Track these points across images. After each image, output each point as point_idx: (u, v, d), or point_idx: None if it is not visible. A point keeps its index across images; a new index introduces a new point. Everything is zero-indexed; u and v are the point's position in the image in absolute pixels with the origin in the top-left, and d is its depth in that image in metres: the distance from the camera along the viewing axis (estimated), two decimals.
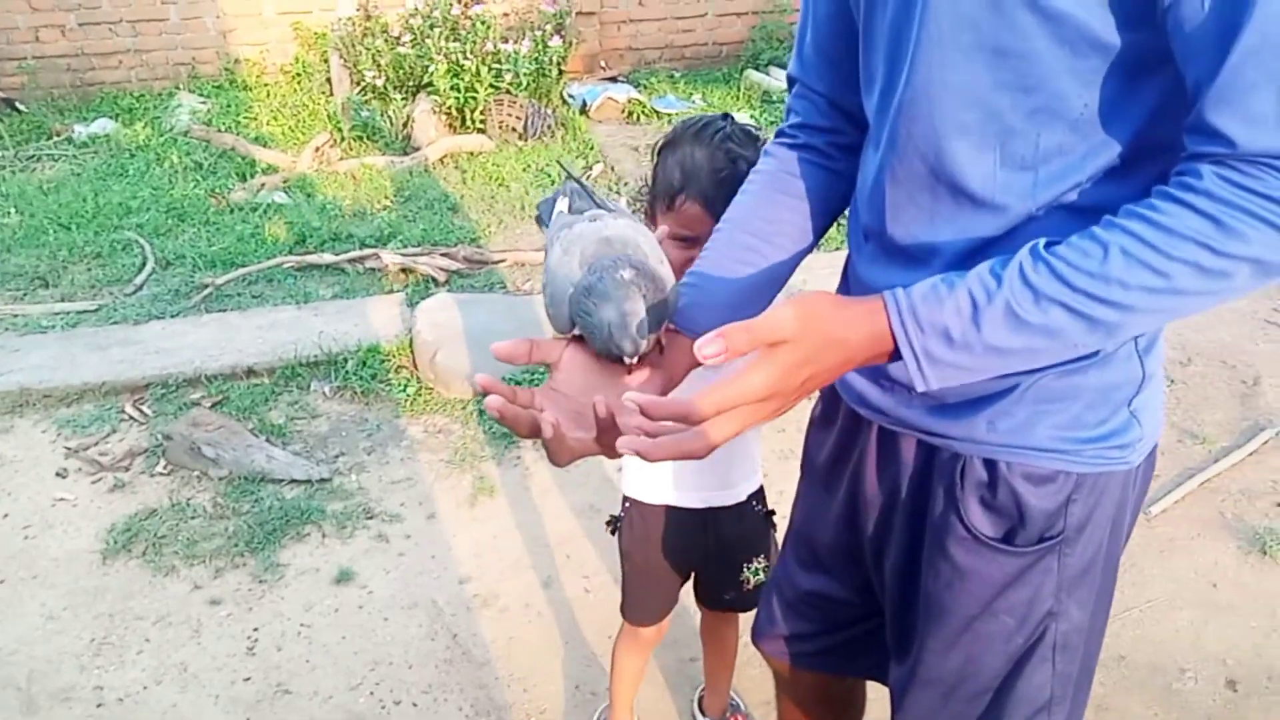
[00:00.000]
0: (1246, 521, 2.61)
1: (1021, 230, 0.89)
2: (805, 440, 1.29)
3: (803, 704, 1.48)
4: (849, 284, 1.12)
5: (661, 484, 1.70)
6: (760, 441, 1.80)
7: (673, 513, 1.72)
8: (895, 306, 0.80)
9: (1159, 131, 0.83)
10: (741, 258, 1.07)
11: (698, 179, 1.42)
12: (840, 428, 1.19)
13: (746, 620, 2.06)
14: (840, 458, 1.20)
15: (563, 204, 1.02)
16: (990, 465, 0.99)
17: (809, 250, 1.13)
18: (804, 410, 3.03)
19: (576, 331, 0.93)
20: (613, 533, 1.81)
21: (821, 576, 1.29)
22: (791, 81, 1.14)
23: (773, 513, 1.83)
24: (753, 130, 1.51)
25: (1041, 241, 0.79)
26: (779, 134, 1.16)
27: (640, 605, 1.85)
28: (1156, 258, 0.75)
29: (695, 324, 0.97)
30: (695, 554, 1.78)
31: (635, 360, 0.90)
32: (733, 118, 1.50)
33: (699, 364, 0.98)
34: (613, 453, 0.87)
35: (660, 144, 1.51)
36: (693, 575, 1.86)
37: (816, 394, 1.25)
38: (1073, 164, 0.86)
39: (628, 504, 1.76)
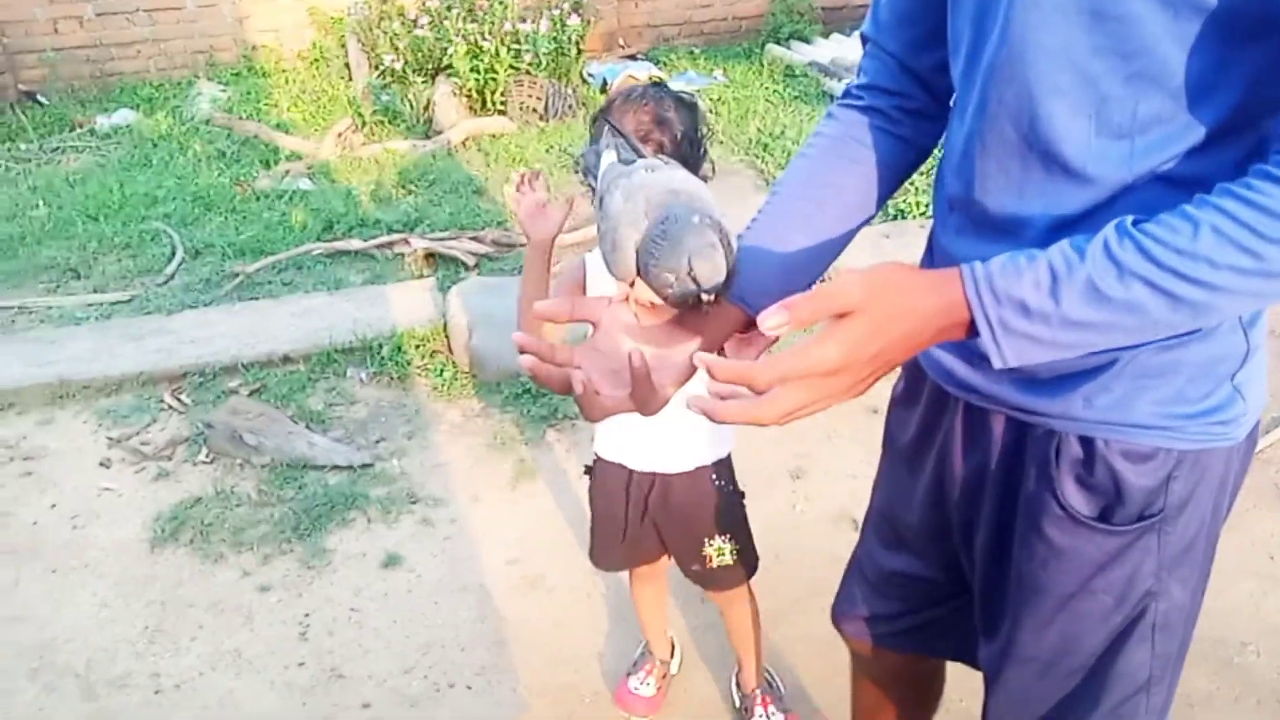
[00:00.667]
0: None
1: (1114, 202, 0.86)
2: (887, 419, 1.27)
3: (883, 684, 1.47)
4: (933, 255, 1.09)
5: (618, 444, 1.78)
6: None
7: (621, 472, 1.80)
8: (971, 276, 0.77)
9: (1260, 101, 0.80)
10: (796, 224, 1.04)
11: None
12: (925, 405, 1.16)
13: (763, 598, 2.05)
14: (926, 436, 1.17)
15: (610, 155, 1.00)
16: (1087, 443, 0.97)
17: (868, 220, 1.10)
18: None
19: (636, 277, 0.91)
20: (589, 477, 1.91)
21: (906, 556, 1.27)
22: (864, 40, 1.11)
23: (741, 493, 1.84)
24: (685, 96, 1.58)
25: (1129, 218, 0.76)
26: (845, 94, 1.12)
27: (600, 552, 1.94)
28: (1250, 238, 0.72)
29: (743, 291, 0.94)
30: (654, 518, 1.82)
31: (712, 300, 0.87)
32: (666, 85, 1.59)
33: (741, 331, 0.97)
34: (646, 409, 0.87)
35: (594, 114, 1.59)
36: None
37: (898, 371, 1.23)
38: (1171, 134, 0.83)
39: (595, 457, 1.84)
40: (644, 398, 0.86)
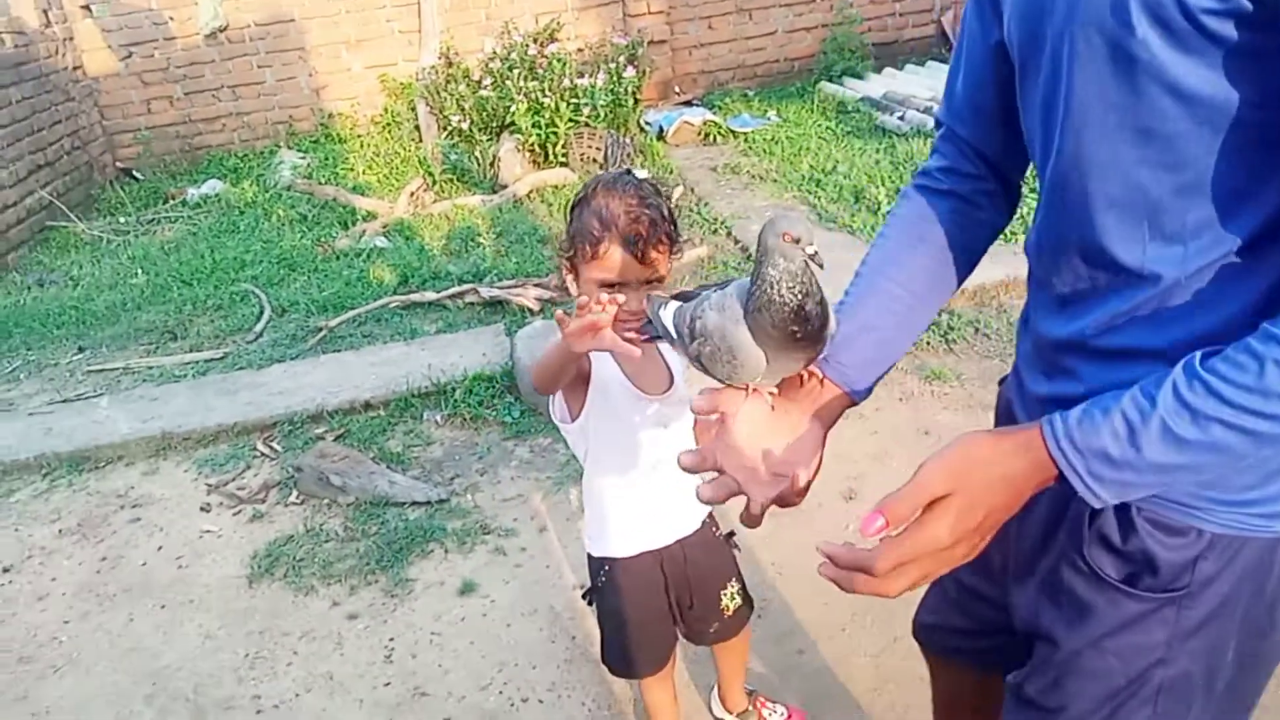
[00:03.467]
0: None
1: (1175, 292, 0.89)
2: None
3: (957, 694, 1.48)
4: (1027, 327, 1.14)
5: (634, 533, 1.76)
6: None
7: (651, 558, 1.78)
8: (1053, 435, 0.82)
9: None
10: (884, 305, 1.09)
11: (615, 224, 1.51)
12: None
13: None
14: None
15: (673, 305, 1.11)
16: (1122, 509, 0.98)
17: (948, 298, 1.14)
18: (897, 414, 3.07)
19: (766, 375, 0.98)
20: (590, 603, 1.89)
21: (981, 576, 1.28)
22: (938, 124, 1.18)
23: (732, 534, 1.90)
24: (655, 183, 1.61)
25: (1197, 356, 0.79)
26: (922, 173, 1.16)
27: (644, 658, 1.89)
28: None
29: (843, 371, 1.04)
30: (678, 591, 1.83)
31: (822, 330, 0.94)
32: (634, 173, 1.60)
33: (841, 411, 1.06)
34: (790, 504, 0.95)
35: (573, 202, 1.59)
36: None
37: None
38: (1221, 236, 0.85)
39: (606, 568, 1.79)
40: (791, 502, 0.94)
